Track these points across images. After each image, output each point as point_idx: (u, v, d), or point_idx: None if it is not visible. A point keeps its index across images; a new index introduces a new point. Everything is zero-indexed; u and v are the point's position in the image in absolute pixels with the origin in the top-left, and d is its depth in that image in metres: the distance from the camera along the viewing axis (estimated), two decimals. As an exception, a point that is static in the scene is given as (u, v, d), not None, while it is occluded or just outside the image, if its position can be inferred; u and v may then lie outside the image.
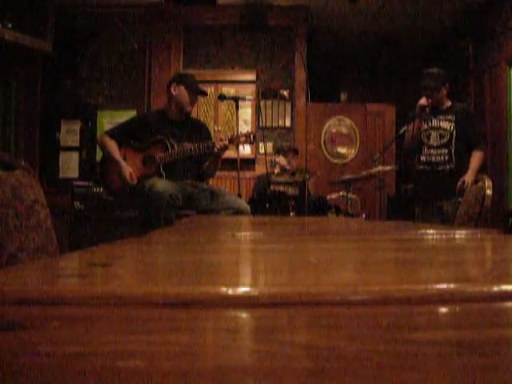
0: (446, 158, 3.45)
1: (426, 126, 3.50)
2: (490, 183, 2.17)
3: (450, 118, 3.47)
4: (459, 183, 3.35)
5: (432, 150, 3.47)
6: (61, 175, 5.69)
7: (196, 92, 3.22)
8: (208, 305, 0.27)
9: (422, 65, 6.42)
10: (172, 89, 3.19)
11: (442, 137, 3.44)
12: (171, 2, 5.69)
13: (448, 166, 3.45)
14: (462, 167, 3.47)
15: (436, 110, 3.48)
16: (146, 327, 0.26)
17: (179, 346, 0.25)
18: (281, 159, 4.84)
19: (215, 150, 3.04)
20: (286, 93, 5.96)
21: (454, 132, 3.44)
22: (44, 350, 0.25)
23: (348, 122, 6.28)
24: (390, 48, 6.95)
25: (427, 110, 3.40)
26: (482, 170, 3.58)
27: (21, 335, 0.26)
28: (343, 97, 7.65)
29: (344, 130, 6.27)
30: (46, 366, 0.25)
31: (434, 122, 3.49)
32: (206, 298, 0.28)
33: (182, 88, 3.16)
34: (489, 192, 2.13)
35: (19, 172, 1.13)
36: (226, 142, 3.06)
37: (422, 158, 3.51)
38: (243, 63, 5.97)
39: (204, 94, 3.36)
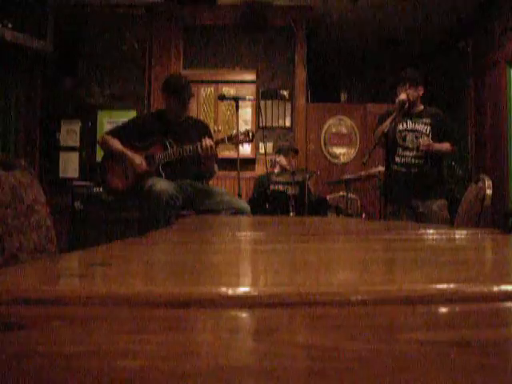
0: (421, 160, 3.46)
1: (401, 127, 3.50)
2: (490, 183, 2.17)
3: (425, 121, 3.48)
4: (421, 140, 3.43)
5: (407, 152, 3.48)
6: (61, 175, 5.69)
7: (183, 100, 3.16)
8: (208, 305, 0.27)
9: (422, 65, 6.44)
10: (163, 97, 3.21)
11: (417, 139, 3.46)
12: (171, 2, 5.70)
13: (423, 168, 3.46)
14: (437, 169, 3.51)
15: (410, 113, 3.49)
16: (146, 327, 0.26)
17: (179, 346, 0.25)
18: (281, 159, 4.84)
19: (200, 151, 2.99)
20: (286, 93, 5.96)
21: (430, 135, 3.45)
22: (44, 350, 0.25)
23: (348, 122, 6.28)
24: (390, 48, 6.95)
25: (406, 106, 3.40)
26: (483, 170, 3.60)
27: (21, 335, 0.26)
28: (343, 97, 7.65)
29: (344, 130, 6.27)
30: (46, 366, 0.25)
31: (410, 124, 3.50)
32: (206, 297, 0.28)
33: (172, 99, 3.16)
34: (489, 192, 2.13)
35: (19, 172, 1.13)
36: (209, 142, 2.98)
37: (397, 159, 3.50)
38: (243, 63, 5.97)
39: (191, 96, 3.28)
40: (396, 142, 3.50)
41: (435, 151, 3.42)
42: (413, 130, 3.49)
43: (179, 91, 3.14)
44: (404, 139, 3.49)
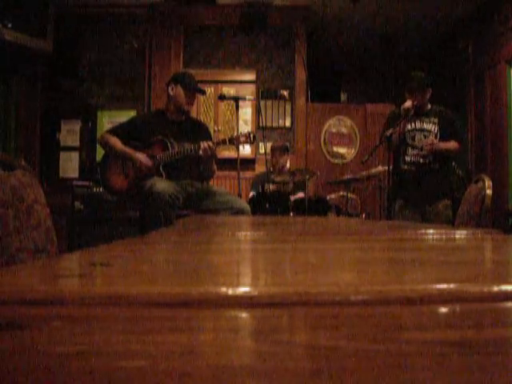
0: (431, 158, 3.49)
1: (409, 127, 3.53)
2: (490, 183, 2.17)
3: (433, 120, 3.52)
4: (424, 141, 3.46)
5: (417, 151, 3.51)
6: (61, 175, 5.69)
7: (193, 91, 3.21)
8: (208, 305, 0.27)
9: (422, 65, 6.44)
10: (170, 88, 3.20)
11: (426, 138, 3.48)
12: (171, 2, 5.69)
13: (432, 166, 3.49)
14: (445, 168, 3.53)
15: (418, 112, 3.51)
16: (146, 327, 0.26)
17: (179, 345, 0.25)
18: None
19: (200, 152, 3.01)
20: (285, 93, 5.96)
21: (438, 134, 3.48)
22: (44, 350, 0.25)
23: (348, 122, 6.28)
24: (390, 48, 6.95)
25: (411, 112, 3.43)
26: (483, 170, 3.61)
27: (21, 335, 0.26)
28: (343, 97, 7.65)
29: (344, 130, 6.27)
30: (46, 366, 0.25)
31: (418, 124, 3.53)
32: (206, 297, 0.28)
33: (179, 87, 3.17)
34: (489, 192, 2.13)
35: (19, 172, 1.13)
36: (208, 144, 3.00)
37: (407, 159, 3.53)
38: (243, 63, 5.97)
39: (202, 92, 3.35)
40: (405, 141, 3.53)
41: (441, 150, 3.45)
42: (421, 130, 3.52)
43: (188, 81, 3.17)
44: (413, 139, 3.53)
